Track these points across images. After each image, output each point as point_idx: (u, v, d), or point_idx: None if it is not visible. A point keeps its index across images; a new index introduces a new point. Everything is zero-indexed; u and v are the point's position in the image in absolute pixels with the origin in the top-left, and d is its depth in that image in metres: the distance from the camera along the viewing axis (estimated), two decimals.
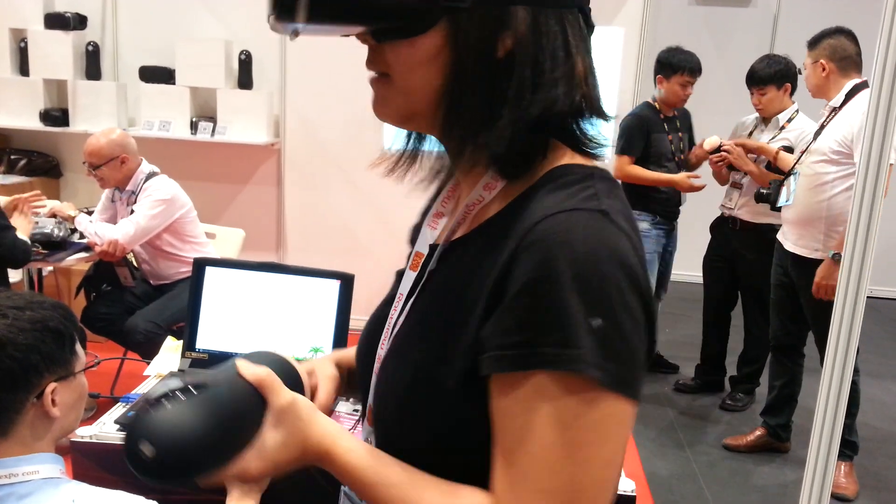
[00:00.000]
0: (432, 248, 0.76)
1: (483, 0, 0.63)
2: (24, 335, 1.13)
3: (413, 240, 0.84)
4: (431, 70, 0.65)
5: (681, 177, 3.47)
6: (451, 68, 0.65)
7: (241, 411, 0.66)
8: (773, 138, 3.35)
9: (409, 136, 0.79)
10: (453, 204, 0.78)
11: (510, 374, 0.60)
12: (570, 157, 0.69)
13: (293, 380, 0.75)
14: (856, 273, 1.87)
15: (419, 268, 0.75)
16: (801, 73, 3.02)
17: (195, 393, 0.65)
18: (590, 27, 0.69)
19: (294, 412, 0.67)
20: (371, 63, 0.69)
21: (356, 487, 0.68)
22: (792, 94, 3.38)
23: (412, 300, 0.73)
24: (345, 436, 0.68)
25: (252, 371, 0.67)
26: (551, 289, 0.58)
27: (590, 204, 0.62)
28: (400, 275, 0.81)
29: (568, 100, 0.66)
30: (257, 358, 0.73)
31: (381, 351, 0.75)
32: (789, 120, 3.37)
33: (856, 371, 2.78)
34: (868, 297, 1.92)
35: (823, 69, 2.87)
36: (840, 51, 2.85)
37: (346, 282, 1.79)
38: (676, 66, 3.49)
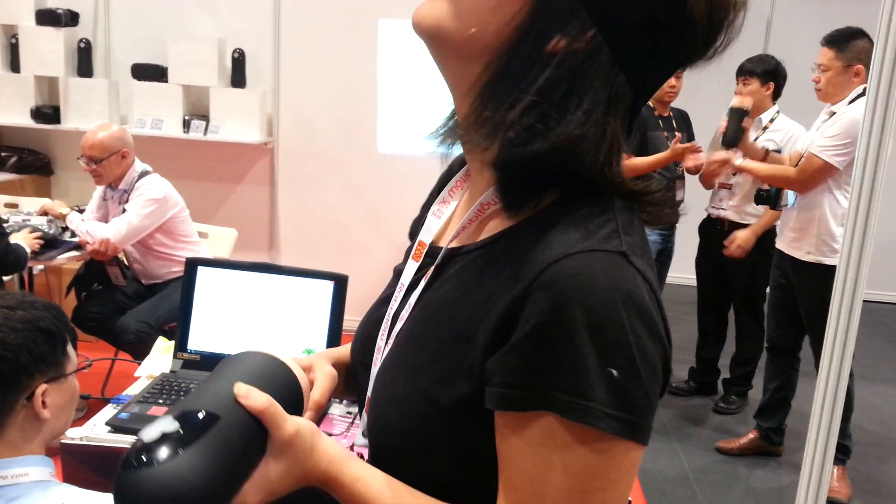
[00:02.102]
0: (435, 246, 0.74)
1: None
2: (15, 335, 1.11)
3: (414, 233, 0.83)
4: (498, 10, 0.61)
5: (671, 150, 3.34)
6: (517, 22, 0.60)
7: (241, 449, 0.60)
8: (756, 139, 3.35)
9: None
10: (463, 192, 0.76)
11: (520, 413, 0.59)
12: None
13: (290, 387, 0.69)
14: (852, 277, 1.87)
15: (422, 258, 0.74)
16: (815, 71, 2.90)
17: (191, 437, 0.57)
18: (633, 118, 0.65)
19: (297, 445, 0.63)
20: None
21: None
22: (775, 98, 3.38)
23: (415, 300, 0.71)
24: (351, 463, 0.66)
25: (253, 401, 0.61)
26: (565, 334, 0.56)
27: (610, 244, 0.60)
28: (399, 271, 0.79)
29: (591, 154, 0.61)
30: (249, 361, 0.67)
31: (382, 346, 0.73)
32: (771, 120, 3.37)
33: (850, 375, 2.78)
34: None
35: (857, 75, 2.78)
36: (871, 54, 2.81)
37: (340, 282, 1.77)
38: None
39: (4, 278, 3.17)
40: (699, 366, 3.83)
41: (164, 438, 0.56)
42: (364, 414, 0.75)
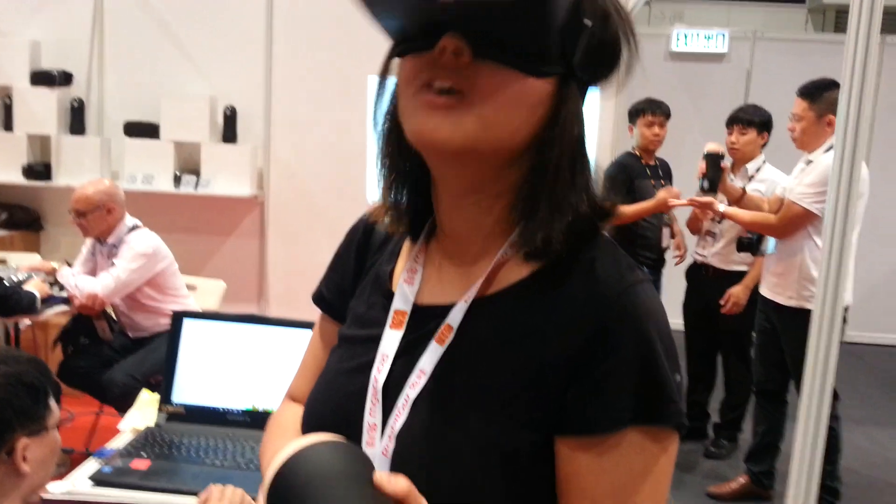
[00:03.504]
0: (425, 313, 0.73)
1: (581, 77, 0.67)
2: None
3: (325, 300, 0.85)
4: (530, 118, 0.65)
5: (658, 197, 3.46)
6: (552, 127, 0.66)
7: None
8: (743, 188, 3.41)
9: (393, 187, 0.76)
10: (424, 258, 0.76)
11: (605, 435, 0.66)
12: None
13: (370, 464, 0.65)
14: (828, 317, 1.90)
15: (404, 325, 0.73)
16: (791, 120, 2.99)
17: None
18: None
19: None
20: (447, 77, 0.62)
21: None
22: (763, 146, 3.46)
23: (435, 360, 0.70)
24: None
25: (396, 486, 0.60)
26: (650, 356, 0.66)
27: (641, 274, 0.70)
28: (347, 338, 0.79)
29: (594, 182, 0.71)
30: (338, 451, 0.63)
31: (377, 423, 0.71)
32: (758, 170, 3.44)
33: (835, 418, 2.79)
34: (849, 342, 1.95)
35: (830, 125, 2.84)
36: None
37: None
38: (639, 109, 3.63)
39: None
40: (689, 411, 3.82)
41: None
42: None
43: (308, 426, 0.77)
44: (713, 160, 3.19)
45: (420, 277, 0.75)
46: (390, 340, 0.73)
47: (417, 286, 0.75)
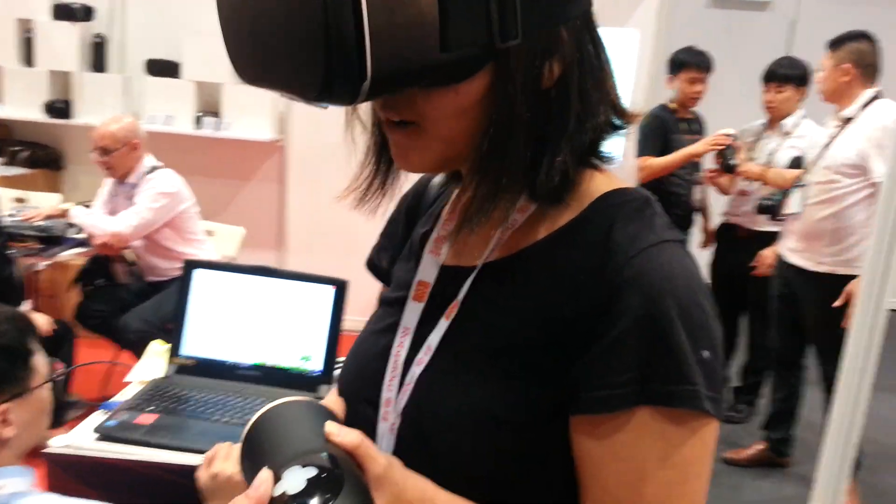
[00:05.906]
0: (449, 273, 0.71)
1: (532, 29, 0.57)
2: None
3: (377, 265, 0.82)
4: (477, 113, 0.60)
5: (698, 144, 3.34)
6: (499, 108, 0.60)
7: (365, 486, 0.58)
8: (779, 146, 3.26)
9: (377, 159, 0.73)
10: (451, 226, 0.73)
11: (611, 414, 0.59)
12: (601, 176, 0.67)
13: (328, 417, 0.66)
14: (877, 287, 1.80)
15: (426, 298, 0.71)
16: (817, 73, 2.90)
17: (336, 478, 0.56)
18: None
19: (391, 478, 0.61)
20: (393, 109, 0.62)
21: None
22: (800, 101, 3.30)
23: (441, 331, 0.68)
24: (440, 492, 0.64)
25: (346, 438, 0.60)
26: (662, 325, 0.58)
27: (669, 234, 0.63)
28: (386, 301, 0.76)
29: (610, 119, 0.65)
30: (303, 407, 0.64)
31: (394, 382, 0.70)
32: (795, 126, 3.28)
33: None
34: None
35: (846, 74, 2.75)
36: (867, 56, 2.74)
37: (340, 288, 1.72)
38: (682, 62, 3.43)
39: None
40: None
41: (313, 486, 0.55)
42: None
43: (341, 385, 0.78)
44: (723, 153, 3.26)
45: (447, 248, 0.73)
46: (412, 313, 0.71)
47: (444, 257, 0.73)
